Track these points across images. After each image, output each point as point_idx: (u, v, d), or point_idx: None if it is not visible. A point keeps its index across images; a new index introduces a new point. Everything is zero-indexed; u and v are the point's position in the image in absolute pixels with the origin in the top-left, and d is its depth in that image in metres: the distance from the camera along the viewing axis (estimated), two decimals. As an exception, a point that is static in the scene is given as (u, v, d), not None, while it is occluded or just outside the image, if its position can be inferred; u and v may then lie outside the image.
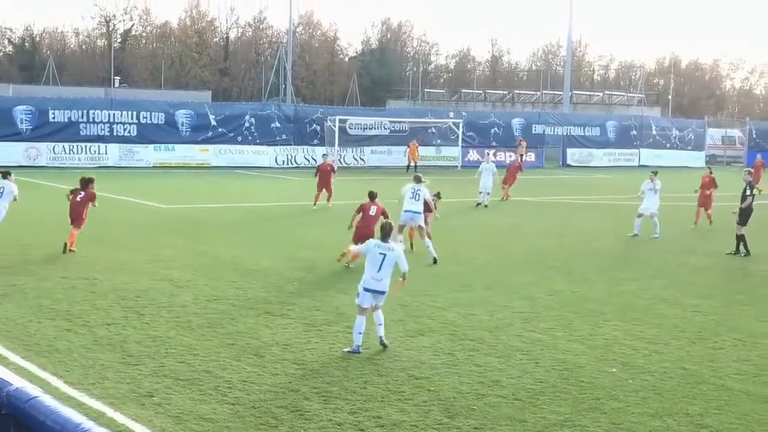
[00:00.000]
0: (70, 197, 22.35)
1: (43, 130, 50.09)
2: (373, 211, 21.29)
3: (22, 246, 22.27)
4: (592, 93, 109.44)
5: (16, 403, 6.38)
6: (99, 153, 51.03)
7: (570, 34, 79.85)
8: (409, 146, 56.49)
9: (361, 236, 19.59)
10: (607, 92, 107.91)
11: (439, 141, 61.94)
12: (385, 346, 13.69)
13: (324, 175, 33.68)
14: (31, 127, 49.84)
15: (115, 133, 52.05)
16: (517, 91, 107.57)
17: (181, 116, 54.23)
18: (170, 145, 53.25)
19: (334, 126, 56.67)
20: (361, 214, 21.35)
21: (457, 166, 59.75)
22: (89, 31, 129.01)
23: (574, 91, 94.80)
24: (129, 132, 52.47)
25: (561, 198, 41.53)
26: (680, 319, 16.59)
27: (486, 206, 35.24)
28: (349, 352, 13.55)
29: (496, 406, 11.34)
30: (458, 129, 61.63)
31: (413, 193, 22.83)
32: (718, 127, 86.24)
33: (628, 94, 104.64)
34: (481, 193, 35.80)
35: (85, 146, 50.80)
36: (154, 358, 12.93)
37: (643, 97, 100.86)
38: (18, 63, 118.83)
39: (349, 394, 11.65)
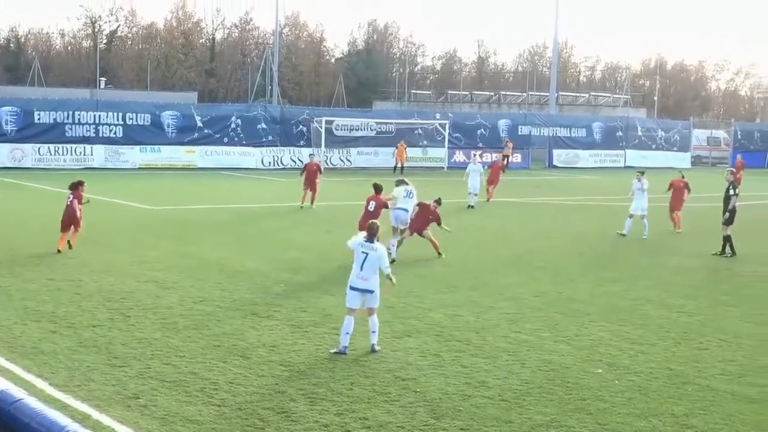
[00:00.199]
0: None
1: (29, 132, 49.88)
2: (372, 206, 21.65)
3: (7, 247, 22.19)
4: (578, 94, 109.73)
5: (1, 406, 6.36)
6: (84, 154, 50.86)
7: (556, 36, 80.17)
8: (397, 147, 56.51)
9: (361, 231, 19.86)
10: (593, 93, 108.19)
11: (425, 142, 61.96)
12: (374, 352, 13.68)
13: (310, 175, 33.94)
14: (16, 129, 49.61)
15: (100, 135, 51.88)
16: (504, 93, 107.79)
17: (167, 117, 54.11)
18: (156, 147, 53.11)
19: (321, 127, 56.63)
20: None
21: (443, 167, 59.77)
22: (75, 32, 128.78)
23: (560, 93, 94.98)
24: (115, 133, 52.31)
25: (547, 199, 41.61)
26: (666, 320, 16.64)
27: (472, 207, 35.31)
28: (335, 353, 13.54)
29: (483, 407, 11.36)
30: (444, 130, 61.66)
31: (407, 192, 23.00)
32: (703, 128, 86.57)
33: (614, 96, 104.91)
34: (470, 194, 35.86)
35: (71, 147, 50.61)
36: (140, 360, 12.90)
37: (628, 99, 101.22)
38: (3, 64, 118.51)
39: (335, 395, 11.65)
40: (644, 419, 11.13)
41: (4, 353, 13.04)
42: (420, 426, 10.66)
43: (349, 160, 58.69)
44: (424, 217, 22.93)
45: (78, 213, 22.30)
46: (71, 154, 50.53)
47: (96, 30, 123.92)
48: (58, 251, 21.62)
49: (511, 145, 62.26)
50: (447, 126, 61.85)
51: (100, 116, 51.98)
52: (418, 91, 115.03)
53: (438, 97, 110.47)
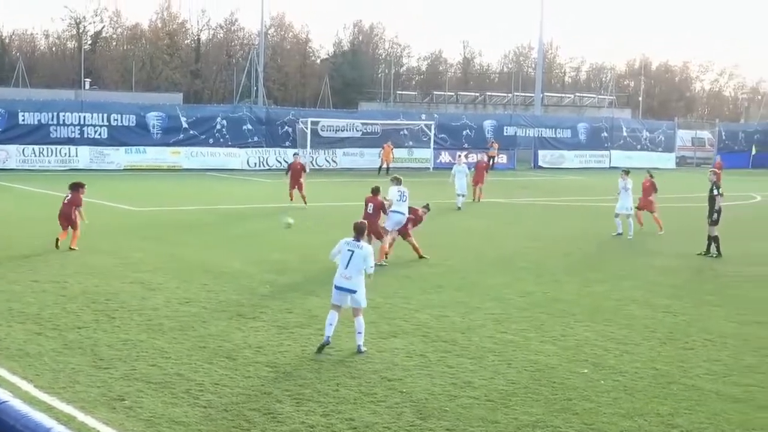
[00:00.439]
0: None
1: (13, 133, 49.75)
2: (370, 209, 21.82)
3: (-8, 249, 22.12)
4: (563, 95, 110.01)
5: (-15, 408, 6.33)
6: (69, 155, 50.74)
7: (541, 37, 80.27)
8: (383, 148, 56.53)
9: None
10: (578, 94, 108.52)
11: (411, 143, 62.04)
12: (361, 352, 13.69)
13: (295, 173, 34.54)
14: (0, 130, 49.46)
15: (85, 136, 51.78)
16: (489, 93, 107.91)
17: (152, 118, 54.04)
18: (141, 148, 53.03)
19: (306, 128, 56.63)
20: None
21: (429, 168, 59.85)
22: (59, 33, 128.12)
23: (546, 93, 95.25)
24: (100, 134, 52.22)
25: (532, 200, 41.70)
26: (651, 320, 16.69)
27: (459, 208, 35.33)
28: (319, 347, 13.61)
29: (469, 408, 11.37)
30: (430, 131, 61.73)
31: (400, 194, 22.96)
32: (688, 128, 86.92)
33: (599, 96, 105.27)
34: (458, 195, 35.87)
35: (56, 149, 50.50)
36: (126, 362, 12.86)
37: (613, 99, 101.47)
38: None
39: (321, 396, 11.64)
40: (630, 419, 11.16)
41: (-11, 355, 12.98)
42: (406, 426, 10.67)
43: (334, 161, 58.71)
44: (411, 219, 23.01)
45: (73, 215, 22.58)
46: (56, 156, 50.40)
47: (81, 31, 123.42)
48: (56, 246, 22.09)
49: (496, 145, 62.40)
50: (432, 127, 61.93)
51: (84, 117, 51.89)
52: (403, 92, 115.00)
53: (423, 97, 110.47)
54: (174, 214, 31.72)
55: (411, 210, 23.05)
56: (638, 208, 29.73)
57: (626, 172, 29.73)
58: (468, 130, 65.10)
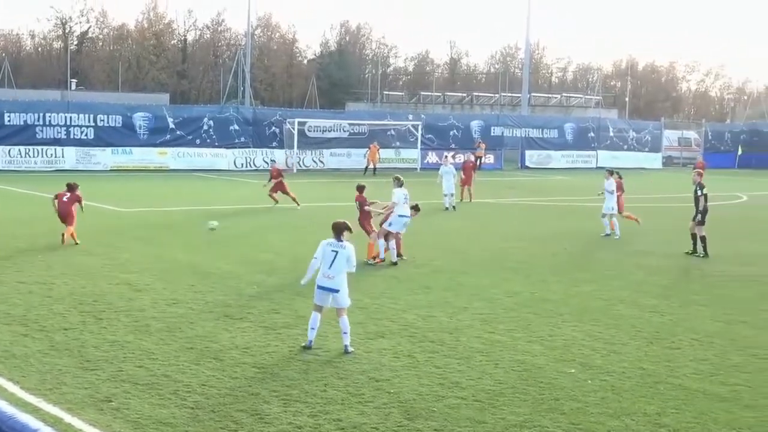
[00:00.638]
0: (56, 201, 23.75)
1: (-1, 134, 49.59)
2: (358, 206, 22.68)
3: (-23, 250, 22.03)
4: (550, 95, 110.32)
5: (-29, 410, 6.29)
6: (55, 156, 50.60)
7: (528, 37, 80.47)
8: (369, 148, 56.51)
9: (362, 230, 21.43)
10: (565, 94, 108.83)
11: (398, 143, 62.09)
12: (348, 353, 13.67)
13: (274, 179, 34.83)
14: (-14, 131, 49.32)
15: (72, 136, 51.65)
16: (476, 94, 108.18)
17: (139, 119, 53.94)
18: (128, 148, 52.93)
19: (293, 128, 56.60)
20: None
21: (416, 168, 59.88)
22: (45, 33, 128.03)
23: (533, 94, 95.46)
24: (86, 135, 52.09)
25: (520, 200, 41.75)
26: (638, 320, 16.72)
27: (447, 209, 35.35)
28: (303, 347, 13.64)
29: (456, 408, 11.37)
30: (417, 131, 61.78)
31: (405, 197, 22.90)
32: (674, 128, 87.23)
33: (586, 97, 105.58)
34: (446, 196, 35.87)
35: (42, 149, 50.36)
36: (112, 363, 12.82)
37: (600, 99, 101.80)
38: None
39: (309, 397, 11.63)
40: (617, 418, 11.18)
41: (-25, 357, 12.92)
42: (394, 427, 10.66)
43: (321, 162, 58.69)
44: None
45: (74, 211, 23.61)
46: (42, 156, 50.25)
47: (67, 31, 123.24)
48: (62, 242, 23.04)
49: (483, 146, 62.47)
50: (420, 127, 62.00)
51: (71, 118, 51.75)
52: (390, 93, 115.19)
53: (411, 98, 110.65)
54: (161, 215, 31.65)
55: None
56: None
57: (611, 172, 29.78)
58: (455, 131, 65.20)
